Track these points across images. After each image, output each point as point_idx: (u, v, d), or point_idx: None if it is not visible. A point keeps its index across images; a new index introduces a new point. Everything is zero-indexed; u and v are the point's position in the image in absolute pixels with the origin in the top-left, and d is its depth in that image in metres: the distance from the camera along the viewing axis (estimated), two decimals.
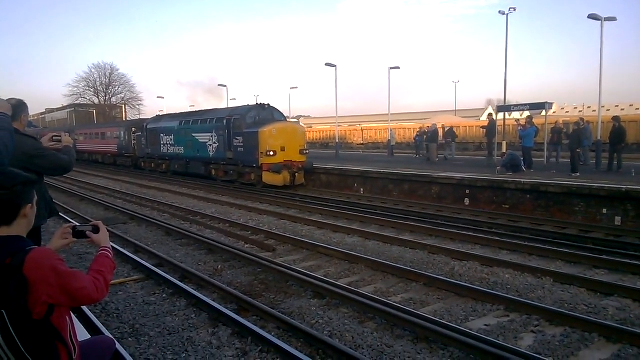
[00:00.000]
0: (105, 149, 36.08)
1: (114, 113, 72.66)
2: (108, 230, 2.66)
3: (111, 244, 2.59)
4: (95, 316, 5.83)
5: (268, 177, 18.79)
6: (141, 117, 57.33)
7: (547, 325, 5.74)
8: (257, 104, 21.03)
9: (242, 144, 19.76)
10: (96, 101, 73.14)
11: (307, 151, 20.59)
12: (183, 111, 29.94)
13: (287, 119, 23.50)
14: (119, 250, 9.09)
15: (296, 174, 19.33)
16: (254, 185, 19.69)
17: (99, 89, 72.94)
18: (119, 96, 74.12)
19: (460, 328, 5.44)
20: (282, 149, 18.99)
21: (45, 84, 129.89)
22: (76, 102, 73.25)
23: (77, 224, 2.62)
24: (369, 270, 8.13)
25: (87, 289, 2.07)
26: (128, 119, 64.56)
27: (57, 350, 2.02)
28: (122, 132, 32.49)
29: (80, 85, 71.82)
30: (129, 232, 11.65)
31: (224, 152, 20.83)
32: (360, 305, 6.27)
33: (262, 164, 18.82)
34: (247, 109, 20.96)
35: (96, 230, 2.50)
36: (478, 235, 10.39)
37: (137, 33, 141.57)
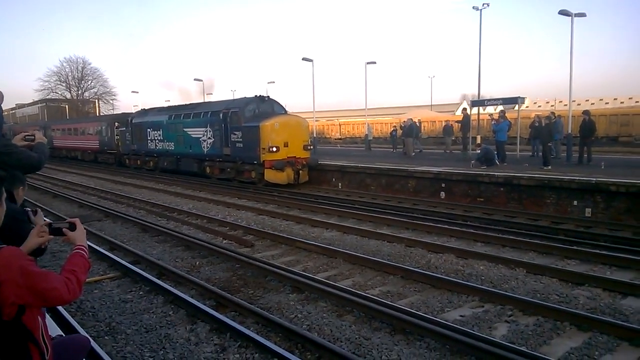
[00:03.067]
0: (85, 145, 34.21)
1: (87, 108, 71.06)
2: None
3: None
4: (71, 315, 5.74)
5: (270, 175, 17.50)
6: (115, 112, 56.29)
7: (520, 315, 5.88)
8: (255, 95, 19.43)
9: (241, 140, 18.36)
10: (68, 96, 71.40)
11: (311, 147, 19.28)
12: (170, 105, 28.12)
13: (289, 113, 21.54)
14: (94, 248, 8.94)
15: (300, 172, 18.07)
16: (254, 183, 18.39)
17: (71, 83, 71.24)
18: (91, 91, 72.49)
19: (436, 319, 5.54)
20: (285, 145, 17.62)
21: (15, 79, 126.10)
22: (47, 97, 71.45)
23: (53, 221, 2.55)
24: (347, 264, 8.19)
25: (58, 289, 2.03)
26: (101, 114, 63.27)
27: (29, 350, 2.00)
28: (104, 127, 30.59)
29: (52, 80, 70.03)
30: (104, 230, 11.47)
31: (221, 148, 19.40)
32: (338, 299, 6.32)
33: (264, 161, 17.47)
34: (246, 101, 19.46)
35: (72, 227, 2.44)
36: (453, 228, 10.56)
37: (108, 26, 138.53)
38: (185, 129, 21.83)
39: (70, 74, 70.66)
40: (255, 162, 17.98)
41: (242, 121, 18.41)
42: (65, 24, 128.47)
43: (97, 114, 62.56)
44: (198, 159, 21.40)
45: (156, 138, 24.22)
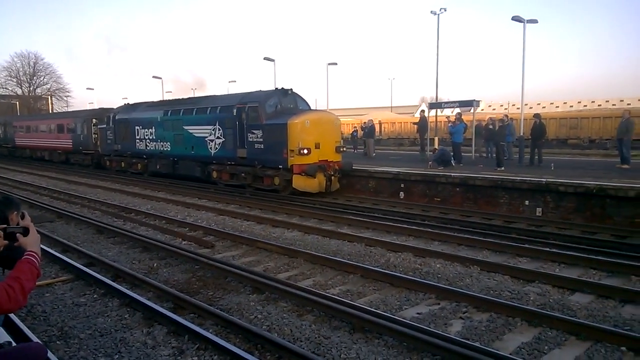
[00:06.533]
0: (55, 145, 30.39)
1: (39, 105, 68.26)
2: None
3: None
4: (20, 320, 5.50)
5: (300, 182, 14.97)
6: (70, 110, 54.30)
7: (474, 311, 6.07)
8: (276, 88, 16.76)
9: (261, 140, 15.67)
10: (19, 92, 68.37)
11: (344, 148, 17.14)
12: (162, 99, 24.68)
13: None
14: (46, 250, 8.61)
15: (332, 177, 15.61)
16: (276, 191, 15.81)
17: (22, 79, 68.10)
18: (44, 87, 69.66)
19: (395, 317, 5.65)
20: (317, 146, 15.13)
21: None
22: None
23: (7, 225, 2.46)
24: (308, 264, 8.23)
25: None
26: (54, 111, 60.91)
27: None
28: (79, 124, 27.25)
29: (2, 75, 66.87)
30: (57, 231, 11.08)
31: (234, 149, 16.65)
32: (298, 299, 6.34)
33: (292, 165, 14.90)
34: (265, 95, 16.46)
35: (26, 232, 2.36)
36: (412, 227, 10.78)
37: (66, 18, 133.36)
38: (185, 127, 18.92)
39: (21, 69, 67.60)
40: (280, 166, 15.33)
41: (263, 118, 15.69)
42: (18, 16, 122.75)
43: (50, 111, 60.18)
44: (202, 161, 18.53)
45: (147, 137, 21.25)
